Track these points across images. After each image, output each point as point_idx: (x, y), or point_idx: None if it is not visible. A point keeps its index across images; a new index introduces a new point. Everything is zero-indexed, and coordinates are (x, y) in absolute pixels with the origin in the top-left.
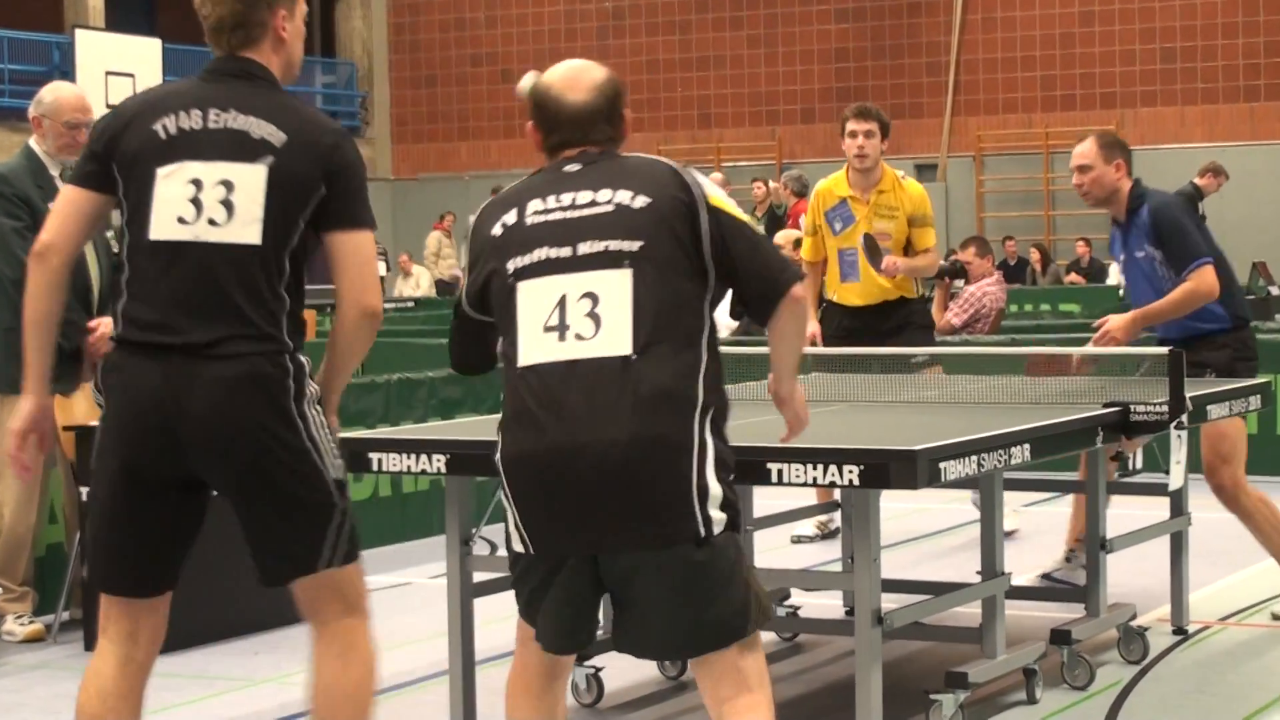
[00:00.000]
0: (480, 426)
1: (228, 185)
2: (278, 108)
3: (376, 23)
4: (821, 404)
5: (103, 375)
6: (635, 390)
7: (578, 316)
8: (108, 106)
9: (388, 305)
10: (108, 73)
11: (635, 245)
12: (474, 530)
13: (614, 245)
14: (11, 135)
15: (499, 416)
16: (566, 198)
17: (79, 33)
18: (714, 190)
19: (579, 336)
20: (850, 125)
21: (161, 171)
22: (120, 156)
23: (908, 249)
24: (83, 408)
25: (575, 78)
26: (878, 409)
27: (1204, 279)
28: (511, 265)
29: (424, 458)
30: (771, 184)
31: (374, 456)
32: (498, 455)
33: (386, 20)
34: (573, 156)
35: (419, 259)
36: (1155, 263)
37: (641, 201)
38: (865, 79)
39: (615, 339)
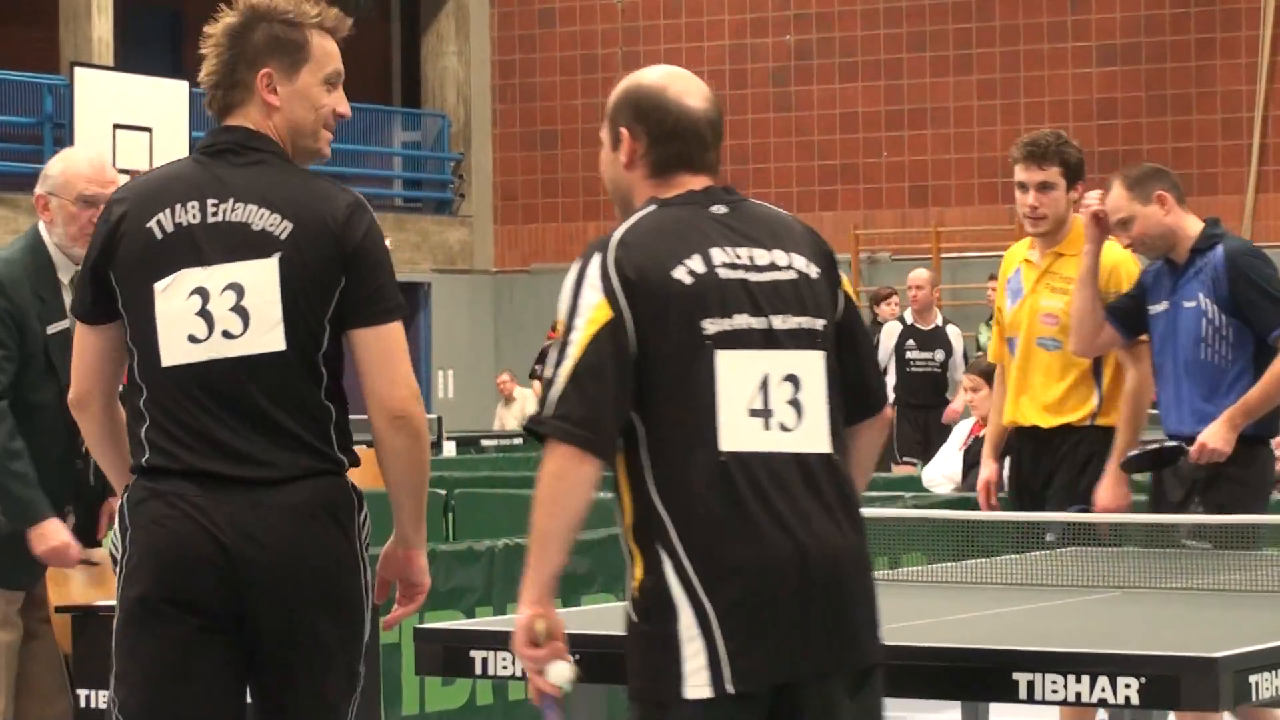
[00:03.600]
0: (619, 615)
1: (237, 290)
2: (279, 188)
3: (476, 61)
4: (1081, 589)
5: (130, 510)
6: (840, 492)
7: (780, 402)
8: (119, 170)
9: (486, 442)
10: (117, 125)
11: (820, 324)
12: None
13: (805, 322)
14: None
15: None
16: (744, 254)
17: (80, 73)
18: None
19: (783, 427)
20: (1019, 173)
21: (159, 286)
22: (116, 267)
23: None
24: (81, 586)
25: (688, 80)
26: (1155, 597)
27: None
28: (710, 326)
29: None
30: None
31: (476, 655)
32: (698, 568)
33: (490, 58)
34: (704, 192)
35: (524, 379)
36: (1206, 320)
37: (815, 271)
38: (1138, 140)
39: (817, 433)
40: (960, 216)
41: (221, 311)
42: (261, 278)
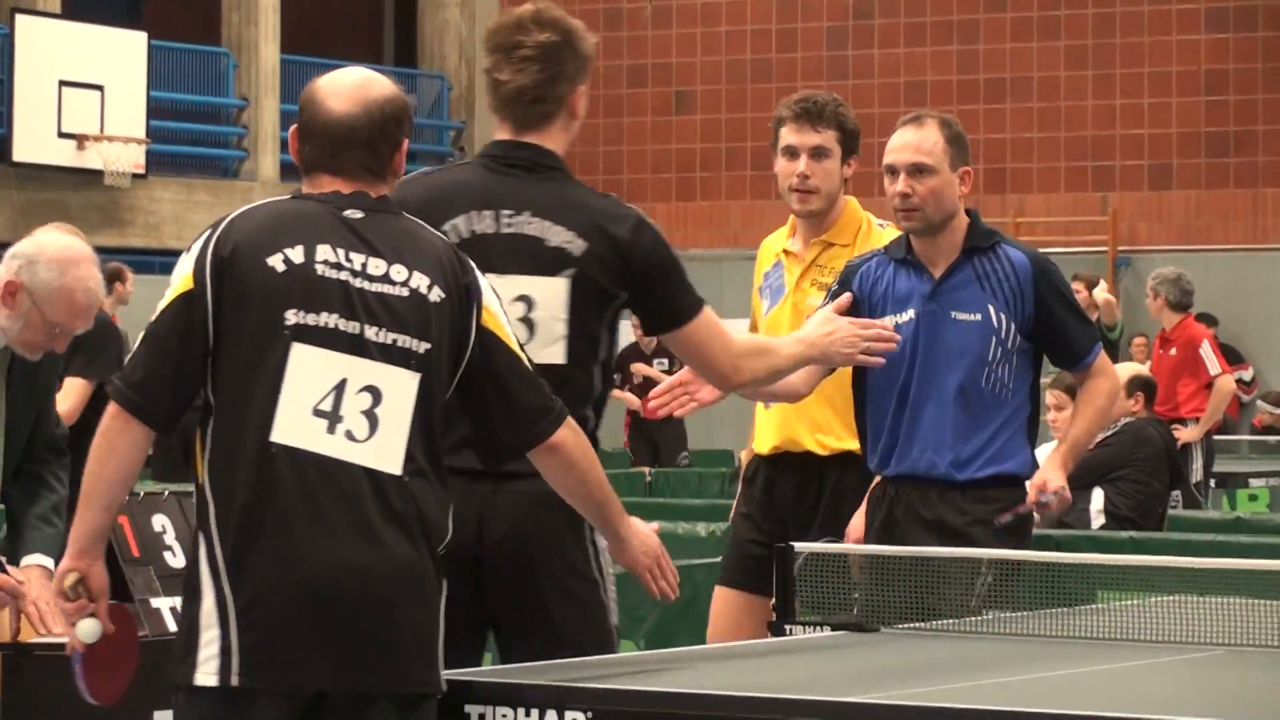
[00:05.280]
0: (644, 666)
1: (527, 301)
2: (571, 206)
3: (482, 15)
4: (1177, 646)
5: None
6: (401, 511)
7: (353, 410)
8: (61, 134)
9: None
10: (63, 82)
11: (423, 347)
12: None
13: (405, 341)
14: None
15: (660, 652)
16: (357, 259)
17: (22, 20)
18: (490, 296)
19: (351, 435)
20: (786, 135)
21: None
22: None
23: None
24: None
25: (350, 84)
26: (1264, 657)
27: (1112, 368)
28: (292, 317)
29: (551, 716)
30: (1101, 293)
31: (472, 711)
32: (226, 556)
33: (497, 12)
34: (349, 195)
35: None
36: (996, 340)
37: (437, 294)
38: (1253, 119)
39: (390, 452)
40: (1043, 205)
41: (509, 318)
42: (551, 293)
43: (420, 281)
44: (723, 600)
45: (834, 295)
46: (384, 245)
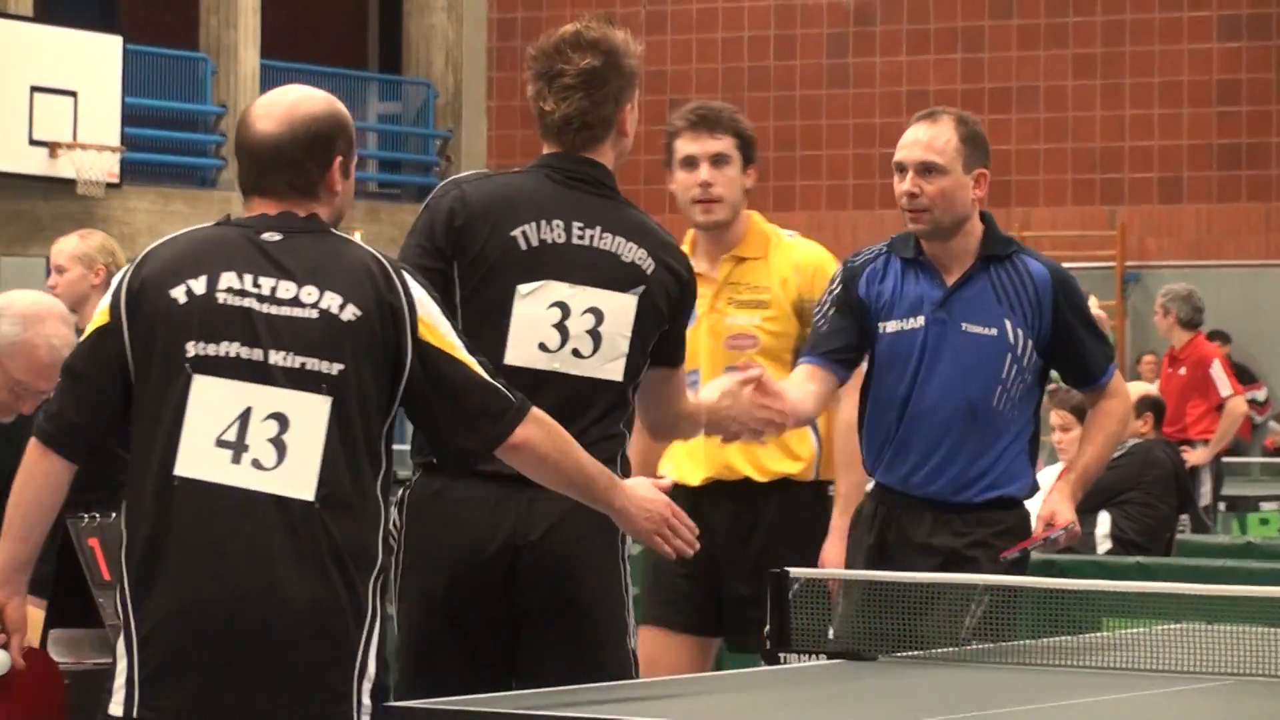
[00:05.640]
0: (634, 694)
1: (597, 314)
2: (639, 229)
3: (470, 19)
4: (1186, 676)
5: (413, 505)
6: (311, 542)
7: (260, 439)
8: (32, 142)
9: None
10: (35, 88)
11: (335, 369)
12: None
13: (312, 364)
14: None
15: (650, 680)
16: (266, 284)
17: None
18: (428, 308)
19: (258, 464)
20: (683, 145)
21: (523, 289)
22: (469, 258)
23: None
24: None
25: (281, 103)
26: (1275, 688)
27: (1125, 390)
28: (192, 349)
29: None
30: (1091, 308)
31: None
32: (132, 588)
33: (486, 15)
34: (277, 216)
35: None
36: (1013, 356)
37: (351, 313)
38: (1267, 131)
39: (301, 478)
40: (1049, 219)
41: (578, 331)
42: (621, 309)
43: (331, 302)
44: (654, 641)
45: (836, 299)
46: (297, 267)
